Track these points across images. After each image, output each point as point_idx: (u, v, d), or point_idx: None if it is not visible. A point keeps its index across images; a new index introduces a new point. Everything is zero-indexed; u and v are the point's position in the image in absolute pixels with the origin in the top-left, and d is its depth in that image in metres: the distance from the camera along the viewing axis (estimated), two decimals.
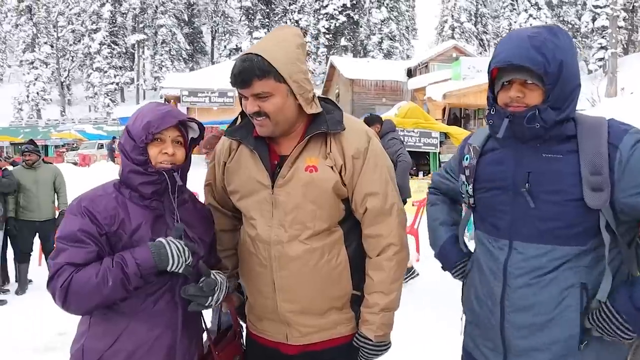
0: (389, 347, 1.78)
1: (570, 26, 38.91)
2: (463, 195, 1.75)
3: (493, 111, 1.58)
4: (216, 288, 1.63)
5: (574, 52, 1.53)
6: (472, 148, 1.71)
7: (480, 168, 1.67)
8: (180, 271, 1.55)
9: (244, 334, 1.99)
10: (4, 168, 6.14)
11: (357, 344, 1.74)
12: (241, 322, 1.99)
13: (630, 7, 37.60)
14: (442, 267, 1.92)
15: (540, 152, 1.53)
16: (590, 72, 33.63)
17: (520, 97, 1.49)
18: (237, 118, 1.84)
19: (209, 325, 1.97)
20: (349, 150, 1.70)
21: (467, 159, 1.72)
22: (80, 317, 1.64)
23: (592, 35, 34.77)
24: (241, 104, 1.72)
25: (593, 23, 33.61)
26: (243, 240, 1.83)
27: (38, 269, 6.70)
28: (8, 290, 6.22)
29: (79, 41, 53.16)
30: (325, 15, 44.66)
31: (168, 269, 1.53)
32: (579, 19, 36.76)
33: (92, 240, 1.52)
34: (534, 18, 37.24)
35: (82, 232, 1.51)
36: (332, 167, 1.70)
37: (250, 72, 1.60)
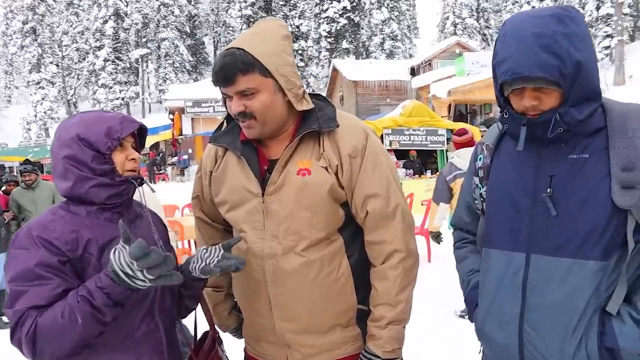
0: None
1: None
2: (476, 201, 1.57)
3: (506, 114, 1.39)
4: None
5: (588, 37, 1.32)
6: (486, 146, 1.54)
7: (495, 169, 1.49)
8: (151, 284, 1.26)
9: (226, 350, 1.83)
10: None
11: None
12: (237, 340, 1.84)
13: None
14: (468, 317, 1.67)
15: (564, 154, 1.35)
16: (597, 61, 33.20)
17: (535, 105, 1.31)
18: (222, 123, 1.70)
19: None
20: (345, 148, 1.55)
21: (480, 159, 1.55)
22: None
23: (596, 24, 34.35)
24: (225, 106, 1.58)
25: (597, 11, 33.21)
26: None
27: None
28: None
29: (84, 59, 53.59)
30: (325, 19, 44.55)
31: (139, 288, 1.28)
32: (583, 8, 36.31)
33: (54, 274, 1.29)
34: None
35: (41, 267, 1.29)
36: (326, 168, 1.54)
37: (233, 67, 1.45)
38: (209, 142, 1.71)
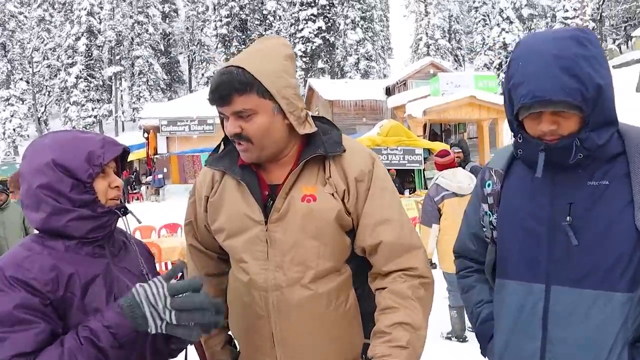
0: None
1: None
2: (485, 229, 1.50)
3: (520, 139, 1.33)
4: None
5: (605, 60, 1.27)
6: (495, 172, 1.47)
7: (506, 196, 1.42)
8: (161, 331, 1.18)
9: None
10: None
11: None
12: None
13: (598, 17, 38.48)
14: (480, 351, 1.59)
15: (582, 180, 1.29)
16: None
17: (554, 129, 1.25)
18: (219, 145, 1.61)
19: None
20: (351, 172, 1.47)
21: (489, 185, 1.48)
22: None
23: None
24: (222, 126, 1.49)
25: None
26: (233, 287, 1.57)
27: None
28: None
29: (55, 76, 52.69)
30: (301, 39, 44.88)
31: (148, 331, 1.19)
32: None
33: (37, 317, 1.13)
34: (507, 32, 37.92)
35: (22, 309, 1.12)
36: (333, 195, 1.46)
37: (229, 86, 1.37)
38: (205, 166, 1.61)
